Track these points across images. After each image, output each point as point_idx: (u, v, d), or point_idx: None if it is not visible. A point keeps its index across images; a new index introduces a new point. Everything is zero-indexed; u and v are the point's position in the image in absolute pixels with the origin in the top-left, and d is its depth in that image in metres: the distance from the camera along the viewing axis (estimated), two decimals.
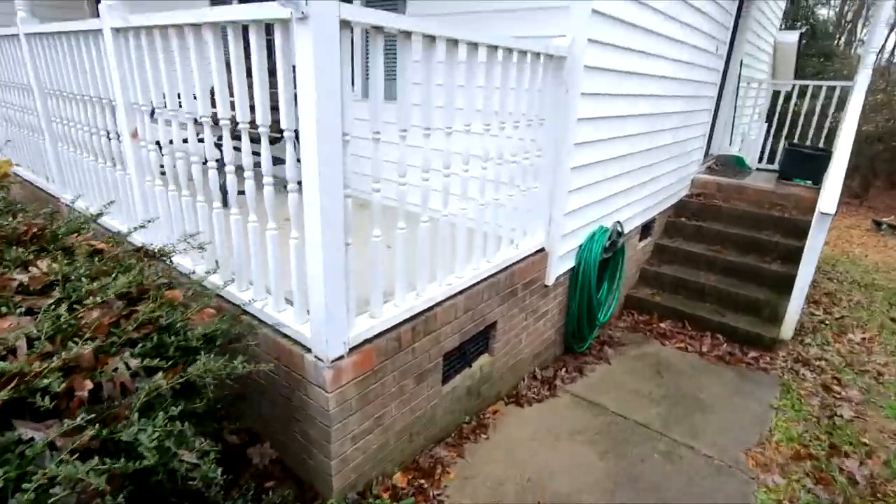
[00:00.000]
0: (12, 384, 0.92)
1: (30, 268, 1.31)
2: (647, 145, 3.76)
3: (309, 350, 1.81)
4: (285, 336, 1.91)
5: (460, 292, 2.35)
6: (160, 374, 1.16)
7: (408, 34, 1.67)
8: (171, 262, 1.96)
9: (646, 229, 4.51)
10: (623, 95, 3.11)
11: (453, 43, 1.88)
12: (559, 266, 3.07)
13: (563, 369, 3.40)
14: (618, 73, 2.95)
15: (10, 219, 1.58)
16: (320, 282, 1.63)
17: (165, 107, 2.09)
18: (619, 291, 3.79)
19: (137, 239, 2.56)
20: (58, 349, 1.08)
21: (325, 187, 1.53)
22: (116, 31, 2.20)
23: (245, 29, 1.64)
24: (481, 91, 2.16)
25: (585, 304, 3.32)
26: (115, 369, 1.12)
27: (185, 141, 2.08)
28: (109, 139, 2.62)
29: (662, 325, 4.23)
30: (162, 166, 2.36)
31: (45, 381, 0.95)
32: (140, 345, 1.21)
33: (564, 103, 2.65)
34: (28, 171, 4.00)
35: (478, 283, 2.46)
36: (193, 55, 1.84)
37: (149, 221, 2.11)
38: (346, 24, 1.46)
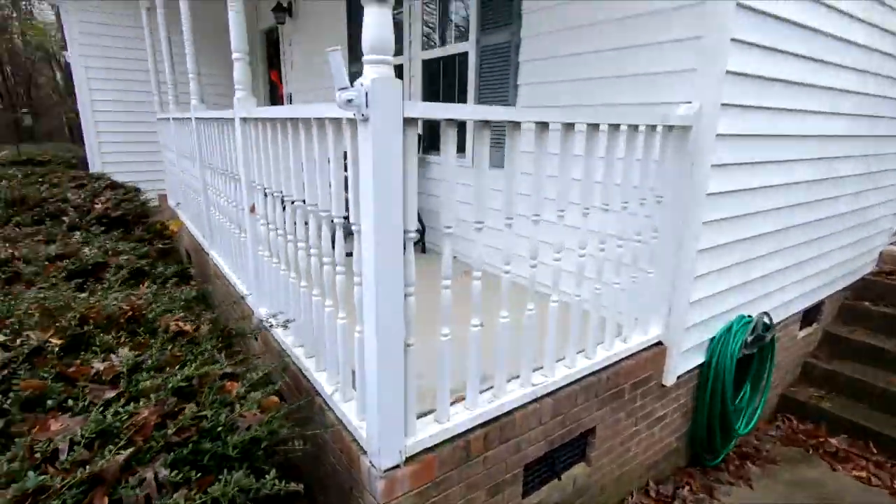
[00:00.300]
0: (27, 502, 0.95)
1: (111, 355, 1.42)
2: (808, 217, 3.07)
3: (365, 452, 1.69)
4: (347, 429, 1.82)
5: (548, 394, 2.06)
6: (182, 490, 1.12)
7: (485, 123, 1.55)
8: (256, 338, 2.02)
9: (810, 314, 3.66)
10: (772, 163, 2.59)
11: (542, 126, 1.71)
12: (682, 363, 2.58)
13: (687, 487, 2.80)
14: (764, 139, 2.47)
15: (119, 295, 1.77)
16: (374, 388, 1.52)
17: (272, 188, 2.24)
18: (767, 394, 3.07)
19: (251, 302, 2.79)
20: (95, 454, 1.11)
21: (381, 287, 1.43)
22: (243, 120, 2.47)
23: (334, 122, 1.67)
24: (580, 160, 1.92)
25: (718, 410, 2.73)
26: (143, 480, 1.11)
27: (282, 208, 2.20)
28: (237, 209, 2.91)
29: (833, 440, 3.31)
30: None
31: (57, 503, 0.96)
32: (176, 451, 1.20)
33: (689, 177, 2.27)
34: (193, 227, 4.71)
35: (571, 383, 2.14)
36: (291, 143, 1.95)
37: (244, 297, 2.23)
38: (411, 122, 1.38)
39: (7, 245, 2.50)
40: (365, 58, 1.30)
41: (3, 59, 20.91)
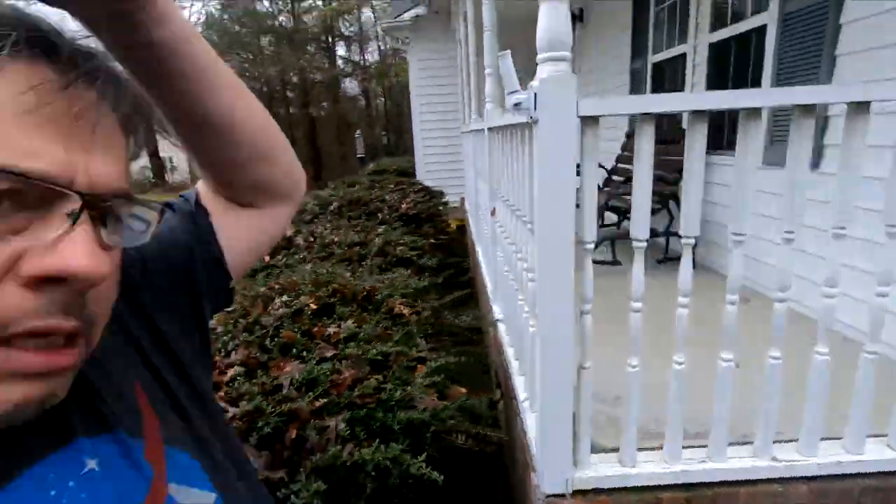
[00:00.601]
0: (246, 419, 1.31)
1: (341, 323, 1.80)
2: None
3: (535, 470, 1.61)
4: (527, 440, 1.77)
5: (803, 478, 1.50)
6: (349, 445, 1.34)
7: (701, 113, 1.24)
8: (461, 333, 2.18)
9: None
10: None
11: (751, 112, 1.24)
12: None
13: None
14: None
15: (375, 277, 2.20)
16: (538, 406, 1.44)
17: (501, 191, 2.37)
18: None
19: (491, 297, 3.00)
20: (300, 396, 1.44)
21: (545, 299, 1.34)
22: (490, 129, 2.67)
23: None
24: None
25: None
26: (326, 428, 1.38)
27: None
28: (486, 210, 3.18)
29: None
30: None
31: (261, 423, 1.29)
32: (354, 412, 1.43)
33: None
34: (471, 224, 5.37)
35: (852, 475, 1.49)
36: (506, 149, 2.01)
37: (489, 292, 2.42)
38: (590, 120, 1.24)
39: (334, 232, 3.45)
40: (538, 57, 1.24)
41: (385, 95, 28.49)
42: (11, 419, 0.33)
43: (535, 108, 1.23)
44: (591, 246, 1.36)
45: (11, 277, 0.30)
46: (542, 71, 1.23)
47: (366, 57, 28.37)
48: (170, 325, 0.51)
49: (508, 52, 1.26)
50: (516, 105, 1.26)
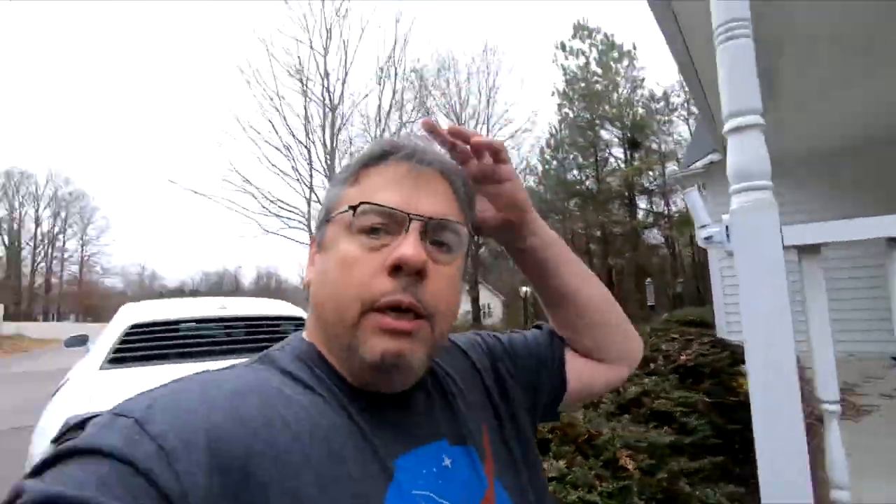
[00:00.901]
0: None
1: (552, 461, 1.74)
2: None
3: None
4: None
5: None
6: None
7: None
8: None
9: None
10: None
11: None
12: None
13: None
14: None
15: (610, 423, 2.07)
16: None
17: None
18: None
19: None
20: None
21: (766, 471, 1.05)
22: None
23: None
24: None
25: None
26: None
27: None
28: None
29: None
30: None
31: None
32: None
33: None
34: None
35: None
36: None
37: None
38: (806, 250, 1.06)
39: None
40: (730, 188, 1.18)
41: (692, 243, 26.90)
42: (388, 378, 0.53)
43: (728, 241, 1.15)
44: (834, 407, 1.04)
45: (382, 271, 0.52)
46: (735, 202, 1.16)
47: (670, 206, 28.18)
48: (516, 393, 0.69)
49: (695, 187, 1.24)
50: (707, 239, 1.19)
